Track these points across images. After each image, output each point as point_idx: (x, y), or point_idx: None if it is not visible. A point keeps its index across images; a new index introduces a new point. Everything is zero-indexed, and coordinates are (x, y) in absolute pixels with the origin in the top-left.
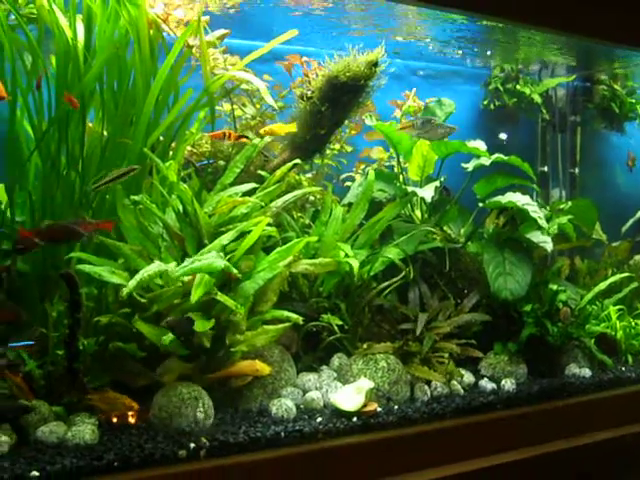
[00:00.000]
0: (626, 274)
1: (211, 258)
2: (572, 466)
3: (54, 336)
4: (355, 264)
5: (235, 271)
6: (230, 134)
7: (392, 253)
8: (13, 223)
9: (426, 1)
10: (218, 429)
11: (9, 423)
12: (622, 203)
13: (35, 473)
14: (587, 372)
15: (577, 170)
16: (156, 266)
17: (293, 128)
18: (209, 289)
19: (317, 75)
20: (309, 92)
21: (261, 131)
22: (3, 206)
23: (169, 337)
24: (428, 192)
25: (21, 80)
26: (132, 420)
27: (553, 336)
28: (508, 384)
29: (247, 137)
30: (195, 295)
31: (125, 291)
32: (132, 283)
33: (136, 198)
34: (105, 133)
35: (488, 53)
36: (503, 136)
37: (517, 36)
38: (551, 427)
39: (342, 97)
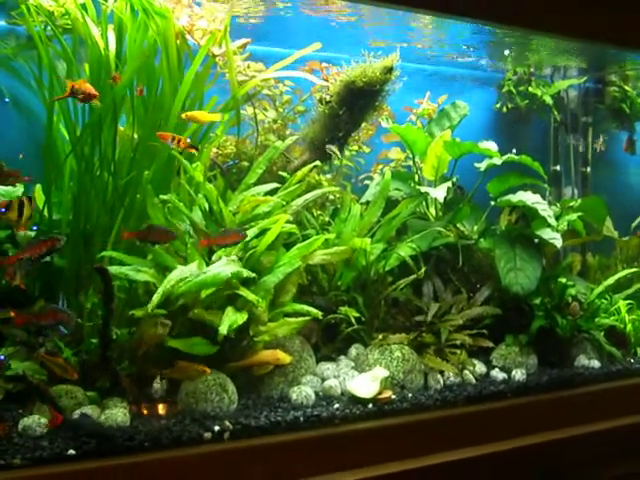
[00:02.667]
0: (635, 269)
1: (218, 267)
2: (579, 452)
3: (88, 326)
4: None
5: (245, 274)
6: (179, 139)
7: (406, 249)
8: (50, 221)
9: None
10: (241, 413)
11: (47, 406)
12: (635, 200)
13: (72, 452)
14: (596, 363)
15: (589, 169)
16: (177, 274)
17: (218, 118)
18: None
19: (335, 80)
20: (328, 96)
21: (183, 115)
22: (40, 205)
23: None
24: (440, 192)
25: (58, 87)
26: (161, 408)
27: (562, 328)
28: (519, 374)
29: (196, 148)
30: (204, 293)
31: (150, 307)
32: (156, 298)
33: (165, 197)
34: (135, 136)
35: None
36: None
37: (529, 41)
38: (559, 415)
39: (359, 101)
